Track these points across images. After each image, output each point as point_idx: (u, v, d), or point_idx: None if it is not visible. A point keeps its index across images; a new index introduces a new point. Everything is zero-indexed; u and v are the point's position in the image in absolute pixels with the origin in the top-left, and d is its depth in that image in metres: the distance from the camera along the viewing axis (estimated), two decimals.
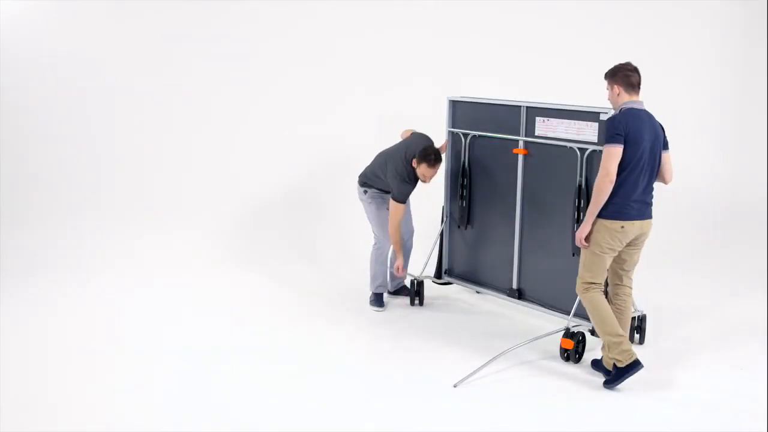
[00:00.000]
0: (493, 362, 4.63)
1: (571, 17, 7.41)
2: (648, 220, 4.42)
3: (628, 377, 4.35)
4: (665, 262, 6.71)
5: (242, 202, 7.23)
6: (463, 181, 5.67)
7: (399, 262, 5.56)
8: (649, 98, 7.31)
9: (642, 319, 5.03)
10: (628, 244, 4.45)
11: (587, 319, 4.71)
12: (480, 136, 5.52)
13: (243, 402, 4.24)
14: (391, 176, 5.42)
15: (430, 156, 5.30)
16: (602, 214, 4.32)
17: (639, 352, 4.88)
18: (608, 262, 4.43)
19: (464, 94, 5.71)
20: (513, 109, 5.28)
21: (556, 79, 7.23)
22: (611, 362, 4.47)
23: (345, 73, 7.26)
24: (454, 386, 4.41)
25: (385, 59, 7.23)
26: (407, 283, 5.96)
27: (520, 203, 5.32)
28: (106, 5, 6.94)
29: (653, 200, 4.45)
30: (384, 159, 5.54)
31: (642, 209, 4.36)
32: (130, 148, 7.15)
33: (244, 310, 5.66)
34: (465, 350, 4.92)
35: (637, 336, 5.04)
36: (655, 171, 4.39)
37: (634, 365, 4.33)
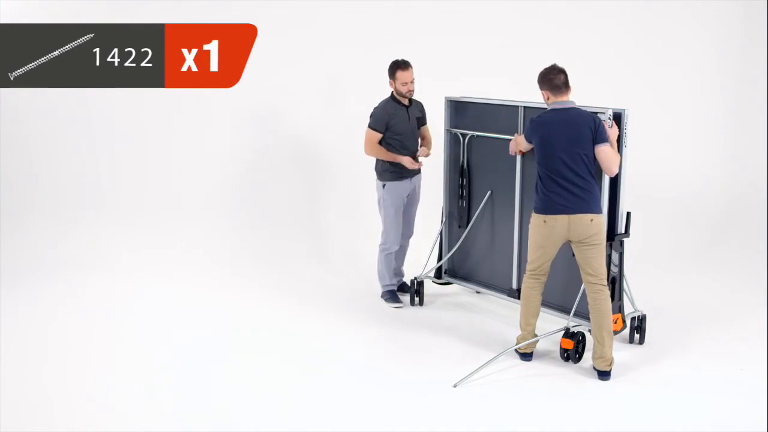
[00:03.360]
0: (493, 362, 4.63)
1: (569, 17, 7.40)
2: (579, 216, 4.45)
3: (521, 358, 4.76)
4: (665, 262, 6.71)
5: (243, 201, 7.22)
6: (462, 181, 5.66)
7: (404, 159, 5.50)
8: (649, 98, 7.36)
9: (642, 319, 5.02)
10: (575, 242, 4.51)
11: (587, 318, 4.72)
12: (478, 136, 5.52)
13: (243, 402, 4.24)
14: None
15: (398, 62, 5.47)
16: (533, 208, 4.62)
17: (639, 351, 4.92)
18: (543, 254, 4.62)
19: (463, 93, 5.70)
20: (510, 109, 5.27)
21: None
22: (599, 362, 4.52)
23: (341, 73, 7.25)
24: (454, 386, 4.41)
25: (381, 59, 7.20)
26: (407, 280, 5.96)
27: (519, 203, 5.31)
28: (106, 4, 6.93)
29: (589, 194, 4.44)
30: None
31: (566, 203, 4.45)
32: (131, 147, 7.15)
33: (244, 310, 5.66)
34: (465, 350, 4.92)
35: (637, 336, 5.04)
36: (576, 165, 4.43)
37: (522, 356, 4.76)
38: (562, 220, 4.48)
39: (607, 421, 4.09)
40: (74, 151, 7.10)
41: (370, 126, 5.54)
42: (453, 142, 5.71)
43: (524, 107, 5.18)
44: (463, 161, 5.64)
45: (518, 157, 5.24)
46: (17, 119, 7.02)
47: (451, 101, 5.68)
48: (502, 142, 5.31)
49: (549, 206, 4.51)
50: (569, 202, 4.45)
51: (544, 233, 4.55)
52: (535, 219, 4.60)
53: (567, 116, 4.49)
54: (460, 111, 5.64)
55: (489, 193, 5.52)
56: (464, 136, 5.59)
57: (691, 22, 7.47)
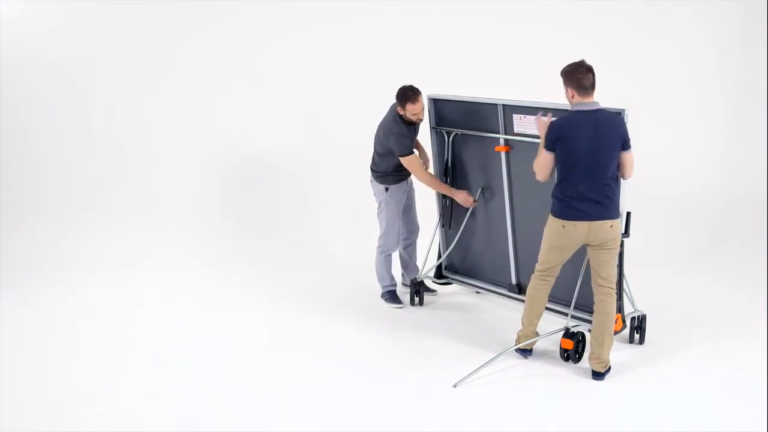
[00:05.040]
0: (492, 362, 4.63)
1: (568, 17, 7.39)
2: (600, 222, 4.37)
3: (520, 354, 4.80)
4: (665, 262, 6.71)
5: (243, 201, 7.22)
6: (446, 179, 5.66)
7: (459, 195, 5.50)
8: (649, 98, 7.35)
9: (642, 319, 5.02)
10: (591, 246, 4.47)
11: (586, 311, 4.72)
12: (463, 134, 5.50)
13: (243, 402, 4.24)
14: (387, 139, 5.46)
15: (407, 93, 5.33)
16: (551, 211, 4.49)
17: (639, 351, 4.93)
18: (557, 256, 4.55)
19: (455, 92, 5.69)
20: (491, 107, 5.24)
21: (551, 77, 7.20)
22: (595, 363, 4.52)
23: (332, 73, 7.24)
24: (454, 386, 4.41)
25: (378, 58, 7.22)
26: (407, 280, 5.97)
27: (509, 199, 5.30)
28: (107, 5, 6.93)
29: (610, 201, 4.38)
30: (379, 131, 5.56)
31: (588, 210, 4.36)
32: (131, 147, 7.15)
33: (243, 310, 5.66)
34: (465, 350, 4.92)
35: (637, 336, 5.04)
36: (600, 170, 4.34)
37: (522, 351, 4.79)
38: (582, 226, 4.38)
39: (607, 421, 4.09)
40: (74, 151, 7.09)
41: (405, 153, 5.40)
42: (438, 141, 5.70)
43: (503, 105, 5.09)
44: (447, 159, 5.63)
45: (502, 154, 5.22)
46: (17, 119, 7.02)
47: (433, 99, 5.64)
48: (486, 139, 5.29)
49: (568, 212, 4.39)
50: (591, 209, 4.36)
51: (562, 236, 4.45)
52: (553, 222, 4.48)
53: (595, 119, 4.34)
54: (443, 109, 5.58)
55: (480, 189, 5.51)
56: (449, 134, 5.58)
57: (691, 22, 7.47)
